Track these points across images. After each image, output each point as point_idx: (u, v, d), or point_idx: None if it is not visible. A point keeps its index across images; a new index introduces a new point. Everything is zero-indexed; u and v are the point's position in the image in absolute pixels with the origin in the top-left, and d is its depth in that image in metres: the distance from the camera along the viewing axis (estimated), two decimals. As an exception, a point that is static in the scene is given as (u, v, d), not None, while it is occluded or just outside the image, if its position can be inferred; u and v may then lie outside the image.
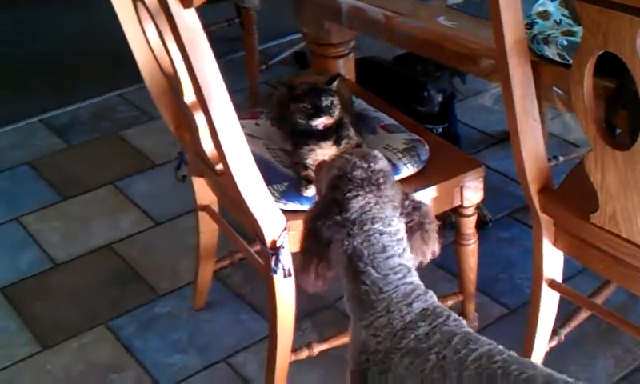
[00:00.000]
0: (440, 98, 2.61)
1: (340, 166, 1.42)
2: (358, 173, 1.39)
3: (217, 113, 1.58)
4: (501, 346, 1.29)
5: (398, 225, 1.38)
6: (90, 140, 3.24)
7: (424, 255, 1.44)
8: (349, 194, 1.37)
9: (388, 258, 1.35)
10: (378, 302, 1.34)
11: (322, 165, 1.52)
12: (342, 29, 2.28)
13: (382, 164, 1.43)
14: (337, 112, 1.83)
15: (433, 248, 1.45)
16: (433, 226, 1.45)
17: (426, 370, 1.27)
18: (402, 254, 1.37)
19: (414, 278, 1.37)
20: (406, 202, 1.42)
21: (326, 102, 1.81)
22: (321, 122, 1.81)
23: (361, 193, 1.37)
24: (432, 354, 1.27)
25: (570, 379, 1.21)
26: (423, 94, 2.58)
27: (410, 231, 1.41)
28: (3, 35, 4.08)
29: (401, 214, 1.40)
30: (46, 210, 2.81)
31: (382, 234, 1.36)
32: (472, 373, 1.23)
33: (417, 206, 1.43)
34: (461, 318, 1.35)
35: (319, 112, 1.81)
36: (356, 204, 1.37)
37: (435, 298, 1.37)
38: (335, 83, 1.85)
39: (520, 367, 1.22)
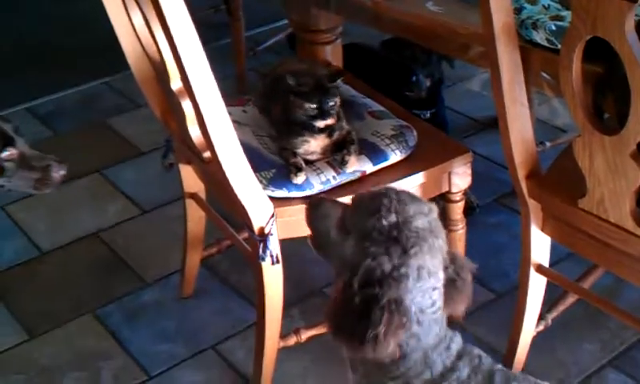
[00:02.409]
0: (428, 83, 2.61)
1: (398, 210, 1.24)
2: (419, 223, 1.24)
3: (204, 100, 1.57)
4: (537, 380, 1.29)
5: (442, 274, 1.28)
6: (76, 128, 3.22)
7: (454, 310, 1.33)
8: (411, 250, 1.21)
9: (434, 311, 1.26)
10: (413, 352, 1.25)
11: (360, 199, 1.32)
12: (329, 15, 2.27)
13: (435, 211, 1.29)
14: (336, 111, 1.83)
15: (464, 305, 1.33)
16: (468, 281, 1.33)
17: None
18: (442, 304, 1.28)
19: (445, 322, 1.30)
20: (453, 266, 1.32)
21: (331, 103, 1.80)
22: (324, 124, 1.81)
23: (424, 248, 1.22)
24: None
25: None
26: (411, 79, 2.58)
27: (445, 282, 1.30)
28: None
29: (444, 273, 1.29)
30: (31, 198, 2.78)
31: (434, 289, 1.25)
32: None
33: (454, 258, 1.33)
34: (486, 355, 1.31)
35: (324, 114, 1.80)
36: (415, 262, 1.22)
37: (460, 337, 1.32)
38: (339, 80, 1.83)
39: None
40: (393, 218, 1.24)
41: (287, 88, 1.82)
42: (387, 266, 1.21)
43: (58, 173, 1.84)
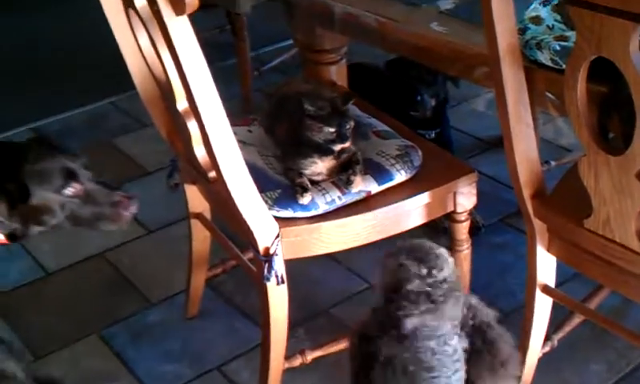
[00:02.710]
0: (433, 103, 2.61)
1: (397, 274, 1.26)
2: (414, 285, 1.24)
3: (209, 120, 1.58)
4: None
5: (457, 345, 1.26)
6: (82, 148, 3.17)
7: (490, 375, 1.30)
8: (400, 312, 1.23)
9: (434, 378, 1.23)
10: None
11: (389, 258, 1.34)
12: (334, 35, 2.28)
13: (447, 270, 1.27)
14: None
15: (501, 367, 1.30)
16: (502, 356, 1.28)
17: None
18: (450, 376, 1.24)
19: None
20: (470, 322, 1.28)
21: (348, 127, 1.80)
22: (342, 147, 1.81)
23: (415, 312, 1.22)
24: None
25: None
26: (416, 99, 2.58)
27: (476, 354, 1.28)
28: (-6, 43, 4.07)
29: (462, 330, 1.26)
30: (37, 218, 2.79)
31: (434, 353, 1.23)
32: None
33: (481, 329, 1.29)
34: None
35: (343, 138, 1.80)
36: (409, 324, 1.23)
37: None
38: (351, 103, 1.84)
39: None
40: (390, 280, 1.28)
41: (303, 111, 1.82)
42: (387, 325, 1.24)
43: (128, 210, 1.72)
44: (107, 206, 1.72)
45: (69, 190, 1.66)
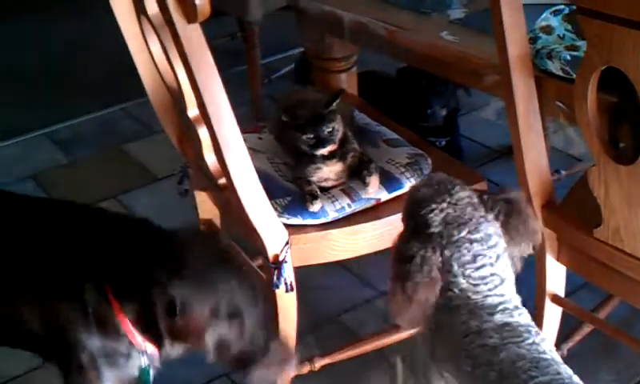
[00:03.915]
0: (444, 112, 2.61)
1: (408, 197, 1.41)
2: (424, 191, 1.38)
3: (220, 127, 1.58)
4: (570, 376, 1.29)
5: (489, 228, 1.34)
6: (92, 154, 3.24)
7: (522, 247, 1.40)
8: (424, 212, 1.35)
9: (479, 267, 1.32)
10: (462, 307, 1.32)
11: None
12: (344, 43, 2.28)
13: (441, 175, 1.41)
14: (339, 133, 1.83)
15: (531, 238, 1.40)
16: (525, 211, 1.39)
17: (480, 381, 1.26)
18: (494, 263, 1.33)
19: (507, 289, 1.34)
20: (485, 197, 1.38)
21: (327, 130, 1.80)
22: (324, 151, 1.82)
23: (434, 206, 1.34)
24: (493, 371, 1.26)
25: None
26: (427, 112, 2.58)
27: (505, 225, 1.37)
28: (7, 48, 4.09)
29: (487, 211, 1.36)
30: (48, 223, 2.80)
31: (471, 242, 1.32)
32: None
33: (500, 198, 1.39)
34: (546, 339, 1.33)
35: (322, 143, 1.81)
36: (436, 217, 1.34)
37: (527, 316, 1.34)
38: (335, 103, 1.83)
39: None
40: (406, 205, 1.44)
41: (284, 124, 1.83)
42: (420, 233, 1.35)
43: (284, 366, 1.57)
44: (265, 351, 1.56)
45: (228, 328, 1.51)
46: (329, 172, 1.84)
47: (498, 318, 1.31)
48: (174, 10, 1.47)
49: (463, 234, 1.33)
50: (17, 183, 3.05)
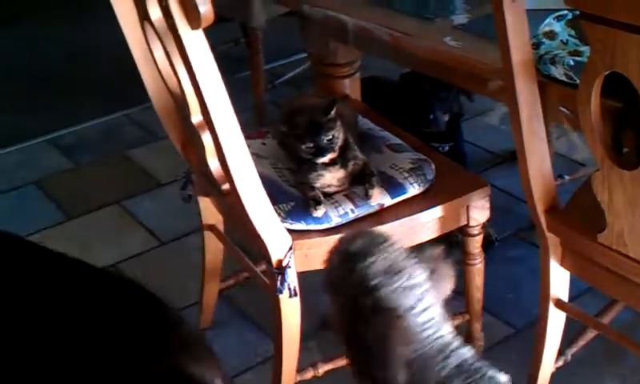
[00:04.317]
0: (446, 118, 2.61)
1: (340, 247, 1.39)
2: (358, 244, 1.36)
3: (223, 133, 1.58)
4: None
5: (420, 276, 1.33)
6: (96, 160, 3.25)
7: (441, 292, 1.38)
8: (360, 265, 1.31)
9: (423, 311, 1.31)
10: (413, 360, 1.30)
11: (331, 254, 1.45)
12: (348, 49, 2.29)
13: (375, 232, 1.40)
14: (339, 141, 1.82)
15: (449, 284, 1.40)
16: (442, 265, 1.40)
17: None
18: (427, 308, 1.32)
19: (447, 331, 1.33)
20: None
21: (326, 138, 1.80)
22: (325, 159, 1.82)
23: (370, 259, 1.31)
24: None
25: None
26: (429, 117, 2.58)
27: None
28: (10, 54, 4.10)
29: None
30: (51, 229, 2.81)
31: (404, 288, 1.31)
32: None
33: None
34: (498, 374, 1.32)
35: (323, 151, 1.81)
36: (374, 268, 1.31)
37: (473, 352, 1.34)
38: (334, 110, 1.82)
39: None
40: (340, 258, 1.38)
41: (284, 134, 1.83)
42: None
43: None
44: None
45: None
46: (331, 178, 1.84)
47: (452, 360, 1.30)
48: (178, 15, 1.47)
49: (400, 281, 1.31)
50: (19, 189, 3.06)
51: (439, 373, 1.29)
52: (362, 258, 1.33)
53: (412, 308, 1.30)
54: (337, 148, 1.82)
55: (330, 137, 1.80)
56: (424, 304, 1.31)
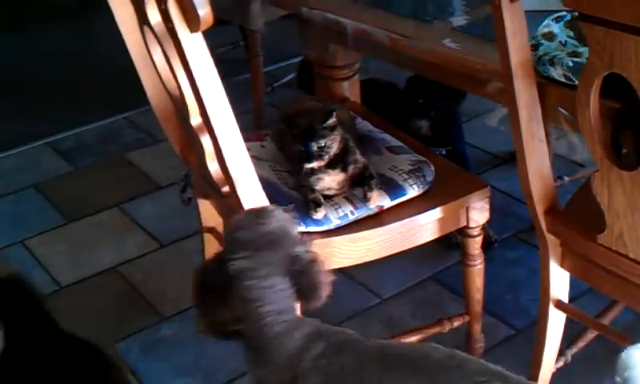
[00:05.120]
0: (424, 125, 2.61)
1: (230, 226, 1.45)
2: (240, 234, 1.41)
3: (222, 135, 1.58)
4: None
5: (281, 284, 1.39)
6: (95, 163, 3.25)
7: (307, 305, 1.45)
8: (228, 257, 1.38)
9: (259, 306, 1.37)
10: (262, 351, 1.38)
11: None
12: (347, 51, 2.29)
13: (275, 224, 1.42)
14: (333, 149, 1.82)
15: (320, 297, 1.45)
16: (320, 280, 1.44)
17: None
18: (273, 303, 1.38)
19: (289, 316, 1.39)
20: (293, 268, 1.41)
21: (316, 145, 1.79)
22: (311, 167, 1.81)
23: (238, 257, 1.38)
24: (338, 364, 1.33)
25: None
26: (405, 123, 2.58)
27: (299, 293, 1.42)
28: (10, 59, 4.10)
29: (287, 275, 1.40)
30: (51, 232, 2.81)
31: (258, 288, 1.37)
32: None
33: (303, 271, 1.42)
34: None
35: (310, 157, 1.80)
36: (235, 266, 1.37)
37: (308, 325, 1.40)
38: (332, 119, 1.82)
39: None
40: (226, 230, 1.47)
41: (283, 132, 1.84)
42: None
43: None
44: None
45: None
46: (331, 181, 1.84)
47: (298, 334, 1.37)
48: (177, 19, 1.47)
49: (252, 282, 1.37)
50: (18, 192, 3.06)
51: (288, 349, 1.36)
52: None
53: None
54: (326, 157, 1.81)
55: (322, 144, 1.80)
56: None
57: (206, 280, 1.45)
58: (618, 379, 1.30)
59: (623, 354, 1.31)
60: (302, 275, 1.41)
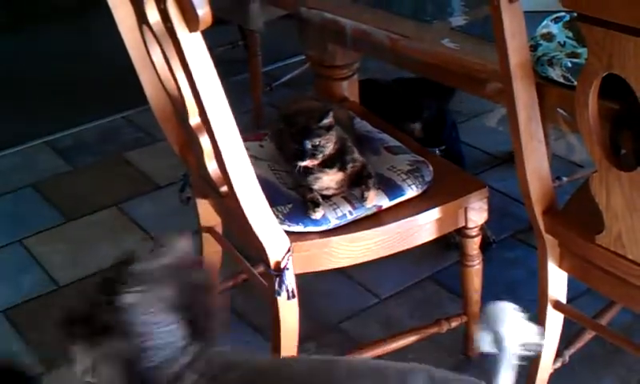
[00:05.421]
0: (416, 126, 2.61)
1: (125, 257, 1.43)
2: (135, 267, 1.38)
3: (221, 135, 1.58)
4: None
5: (170, 325, 1.36)
6: (94, 162, 3.25)
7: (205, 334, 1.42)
8: (119, 290, 1.36)
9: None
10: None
11: None
12: (346, 51, 2.29)
13: (171, 255, 1.40)
14: (328, 149, 1.82)
15: (212, 328, 1.43)
16: (211, 312, 1.42)
17: None
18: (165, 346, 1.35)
19: (172, 351, 1.36)
20: (185, 301, 1.38)
21: (311, 144, 1.80)
22: (304, 164, 1.81)
23: (129, 291, 1.35)
24: None
25: None
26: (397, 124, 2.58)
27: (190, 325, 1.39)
28: (9, 59, 4.10)
29: (178, 308, 1.37)
30: (49, 232, 2.81)
31: (145, 324, 1.34)
32: None
33: (195, 302, 1.39)
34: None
35: (301, 155, 1.81)
36: (125, 299, 1.34)
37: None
38: (328, 119, 1.82)
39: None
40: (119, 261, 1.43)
41: (282, 130, 1.84)
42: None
43: None
44: None
45: None
46: (329, 181, 1.84)
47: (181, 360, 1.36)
48: (176, 18, 1.47)
49: (142, 319, 1.34)
50: (16, 191, 3.05)
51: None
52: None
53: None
54: (320, 156, 1.81)
55: (316, 143, 1.80)
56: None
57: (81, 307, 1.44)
58: (486, 334, 1.29)
59: (492, 307, 1.31)
60: (194, 308, 1.38)
